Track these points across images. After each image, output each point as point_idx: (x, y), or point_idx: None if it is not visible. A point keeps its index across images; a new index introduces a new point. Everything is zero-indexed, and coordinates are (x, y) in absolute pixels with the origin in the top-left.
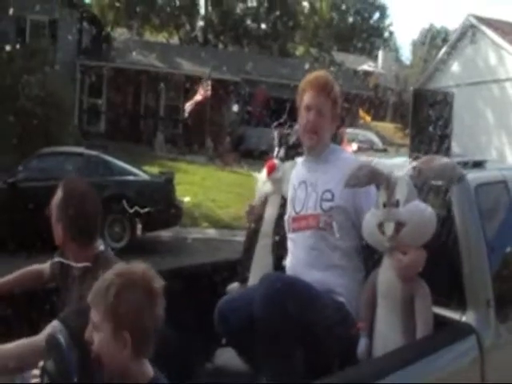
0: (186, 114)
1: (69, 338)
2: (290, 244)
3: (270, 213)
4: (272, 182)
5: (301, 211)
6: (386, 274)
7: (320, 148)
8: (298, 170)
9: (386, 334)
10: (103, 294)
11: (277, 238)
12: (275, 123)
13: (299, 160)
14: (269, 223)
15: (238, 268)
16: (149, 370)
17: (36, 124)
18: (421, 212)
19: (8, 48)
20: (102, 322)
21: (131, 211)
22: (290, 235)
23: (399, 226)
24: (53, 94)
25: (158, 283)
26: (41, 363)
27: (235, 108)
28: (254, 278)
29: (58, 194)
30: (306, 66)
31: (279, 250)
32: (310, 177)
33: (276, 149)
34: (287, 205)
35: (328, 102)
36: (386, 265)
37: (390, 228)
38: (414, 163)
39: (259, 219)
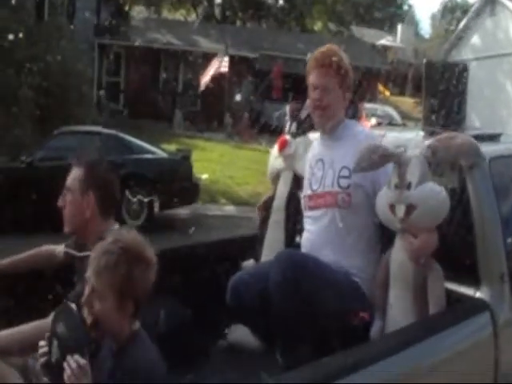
0: (202, 88)
1: (77, 311)
2: (306, 222)
3: (282, 189)
4: (284, 158)
5: (318, 189)
6: (397, 255)
7: (333, 124)
8: (314, 147)
9: (398, 317)
10: (112, 268)
11: (289, 213)
12: (291, 100)
13: (314, 137)
14: (281, 199)
15: (253, 244)
16: (135, 324)
17: (53, 103)
18: (433, 195)
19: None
20: (107, 293)
21: (148, 189)
22: (306, 213)
23: (410, 208)
24: (71, 73)
25: (153, 252)
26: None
27: (250, 85)
28: (266, 254)
29: (77, 171)
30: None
31: (291, 226)
32: (327, 154)
33: (287, 124)
34: (304, 183)
35: (333, 77)
36: (398, 246)
37: (400, 210)
38: (429, 142)
39: (270, 202)
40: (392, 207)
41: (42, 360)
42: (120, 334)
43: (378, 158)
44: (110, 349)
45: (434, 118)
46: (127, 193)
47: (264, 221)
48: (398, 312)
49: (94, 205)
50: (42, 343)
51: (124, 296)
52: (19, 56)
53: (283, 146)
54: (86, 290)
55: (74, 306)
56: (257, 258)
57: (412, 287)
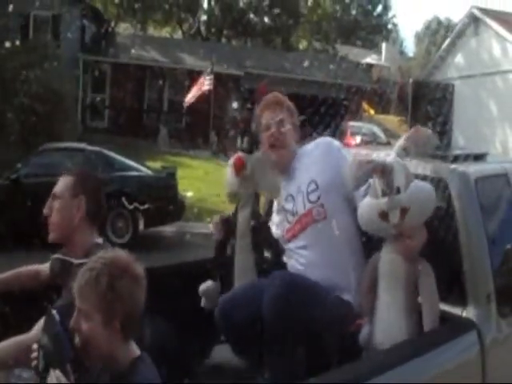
0: (186, 106)
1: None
2: (289, 255)
3: (245, 211)
4: (242, 179)
5: (294, 219)
6: (388, 258)
7: (289, 158)
8: (282, 187)
9: (388, 319)
10: (93, 284)
11: (255, 236)
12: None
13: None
14: (245, 222)
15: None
16: (134, 349)
17: (37, 120)
18: (420, 192)
19: (8, 45)
20: (93, 311)
21: (133, 207)
22: (287, 247)
23: (404, 211)
24: (54, 90)
25: (141, 269)
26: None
27: (236, 104)
28: (238, 278)
29: (66, 179)
30: (306, 64)
31: (258, 247)
32: (292, 185)
33: (239, 139)
34: (273, 221)
35: (284, 113)
36: (388, 248)
37: (395, 215)
38: (400, 143)
39: (232, 223)
40: (383, 215)
41: (34, 363)
42: (113, 357)
43: (366, 171)
44: (109, 374)
45: None
46: (124, 201)
47: (222, 244)
48: (389, 313)
49: (83, 209)
50: (34, 346)
51: (109, 312)
52: (3, 74)
53: (239, 169)
54: (74, 314)
55: (57, 316)
56: (215, 279)
57: (403, 286)
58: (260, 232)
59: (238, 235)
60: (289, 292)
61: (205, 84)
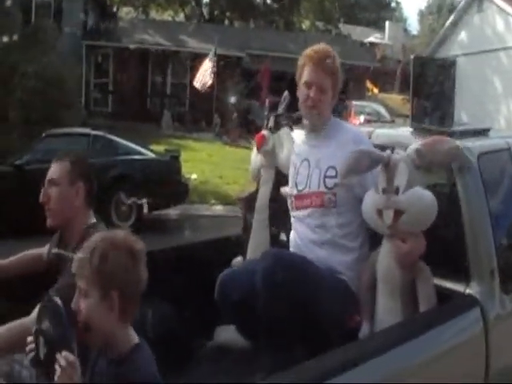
0: (202, 89)
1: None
2: (293, 222)
3: (264, 188)
4: (263, 155)
5: (304, 189)
6: (384, 259)
7: (321, 124)
8: (299, 146)
9: (386, 320)
10: (87, 260)
11: (273, 212)
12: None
13: (296, 133)
14: (264, 197)
15: (239, 243)
16: (133, 336)
17: (40, 106)
18: (421, 200)
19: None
20: (90, 287)
21: (137, 201)
22: (293, 213)
23: (398, 213)
24: (57, 75)
25: (140, 245)
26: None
27: (238, 85)
28: (251, 253)
29: (61, 164)
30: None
31: (276, 224)
32: (313, 153)
33: (266, 120)
34: (289, 182)
35: (328, 76)
36: (385, 249)
37: (388, 216)
38: (416, 145)
39: (253, 199)
40: (379, 212)
41: (31, 355)
42: (113, 339)
43: (365, 165)
44: (106, 360)
45: (422, 114)
46: (121, 195)
47: (247, 219)
48: (387, 315)
49: (82, 195)
50: (29, 339)
51: (104, 286)
52: (7, 61)
53: (261, 143)
54: (75, 295)
55: (58, 299)
56: (244, 256)
57: (400, 290)
58: (278, 209)
59: (256, 210)
60: (278, 269)
61: (210, 67)
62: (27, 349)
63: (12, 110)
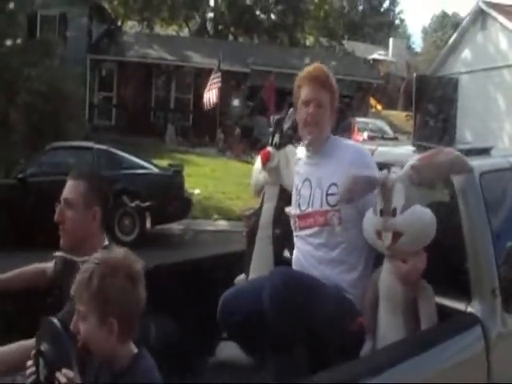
0: (209, 106)
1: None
2: (296, 241)
3: (268, 205)
4: (267, 172)
5: (307, 209)
6: (386, 277)
7: (321, 141)
8: (300, 166)
9: (388, 338)
10: (86, 284)
11: (277, 229)
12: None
13: (300, 154)
14: (267, 215)
15: (242, 259)
16: (132, 347)
17: (44, 119)
18: (419, 219)
19: (11, 43)
20: (88, 311)
21: (140, 205)
22: (296, 233)
23: (396, 235)
24: (60, 89)
25: (139, 265)
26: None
27: (242, 100)
28: (254, 270)
29: (77, 184)
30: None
31: (279, 242)
32: (314, 172)
33: (270, 136)
34: (292, 202)
35: (326, 93)
36: (386, 268)
37: (387, 238)
38: (412, 162)
39: (257, 216)
40: (379, 233)
41: (31, 379)
42: (114, 356)
43: (361, 190)
44: (109, 373)
45: (424, 132)
46: (124, 198)
47: (250, 236)
48: (389, 333)
49: (99, 219)
50: (29, 363)
51: (102, 312)
52: (10, 75)
53: (266, 160)
54: (74, 317)
55: (55, 319)
56: (247, 273)
57: (402, 308)
58: (282, 226)
59: (260, 227)
60: (287, 287)
61: (214, 82)
62: (27, 372)
63: (16, 123)
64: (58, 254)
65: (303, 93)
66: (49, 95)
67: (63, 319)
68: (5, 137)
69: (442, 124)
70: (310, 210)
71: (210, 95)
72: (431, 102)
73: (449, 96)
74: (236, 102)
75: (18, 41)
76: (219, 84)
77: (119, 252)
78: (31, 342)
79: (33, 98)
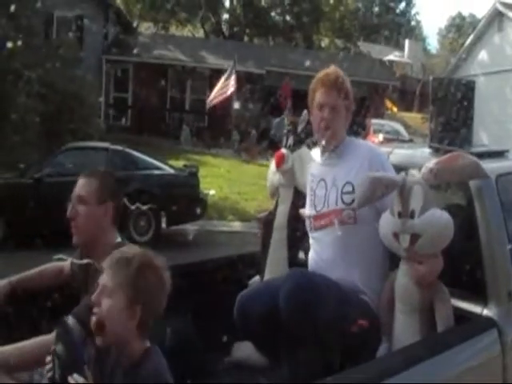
0: (210, 105)
1: (79, 326)
2: (312, 242)
3: (283, 206)
4: (282, 174)
5: (322, 209)
6: (403, 279)
7: (336, 144)
8: (314, 167)
9: (405, 340)
10: (124, 263)
11: (291, 231)
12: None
13: (314, 156)
14: (282, 216)
15: (256, 260)
16: (146, 343)
17: (60, 120)
18: (437, 222)
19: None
20: (117, 290)
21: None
22: (312, 234)
23: (415, 237)
24: (77, 90)
25: (168, 273)
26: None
27: (257, 102)
28: (269, 271)
29: (89, 181)
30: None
31: (294, 243)
32: (329, 173)
33: (285, 138)
34: (306, 203)
35: (340, 97)
36: (402, 270)
37: (405, 240)
38: (430, 164)
39: (271, 218)
40: (396, 235)
41: (49, 375)
42: (127, 344)
43: (380, 192)
44: (119, 364)
45: (440, 134)
46: (137, 204)
47: (265, 237)
48: (405, 335)
49: (111, 215)
50: (48, 359)
51: (133, 297)
52: (24, 75)
53: (280, 162)
54: (97, 289)
55: (72, 322)
56: (262, 274)
57: (418, 310)
58: (297, 227)
59: (274, 229)
60: (303, 289)
61: (229, 85)
62: (46, 368)
63: (32, 124)
64: (75, 261)
65: (317, 96)
66: (64, 96)
67: (79, 313)
68: (21, 137)
69: (459, 126)
70: (325, 209)
71: (219, 96)
72: (448, 105)
73: (465, 98)
74: (251, 104)
75: (35, 41)
76: (234, 87)
77: (152, 253)
78: (51, 337)
79: (48, 98)
